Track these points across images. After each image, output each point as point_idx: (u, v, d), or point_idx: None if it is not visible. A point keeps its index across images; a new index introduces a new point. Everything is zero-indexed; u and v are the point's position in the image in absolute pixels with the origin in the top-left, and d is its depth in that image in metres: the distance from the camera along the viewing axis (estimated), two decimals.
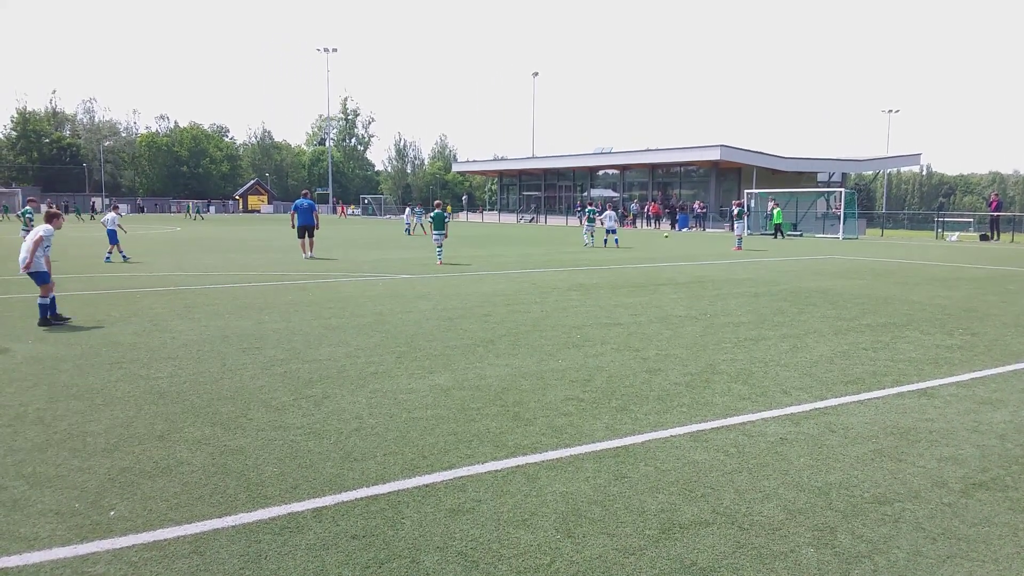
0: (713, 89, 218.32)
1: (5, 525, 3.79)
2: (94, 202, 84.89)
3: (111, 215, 20.85)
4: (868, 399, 6.30)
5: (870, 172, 75.72)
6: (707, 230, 46.74)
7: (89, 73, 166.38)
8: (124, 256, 20.24)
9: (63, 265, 18.48)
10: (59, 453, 4.84)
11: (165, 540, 3.64)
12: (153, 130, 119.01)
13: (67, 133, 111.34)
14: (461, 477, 4.48)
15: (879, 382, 6.87)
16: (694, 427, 5.47)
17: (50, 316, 9.67)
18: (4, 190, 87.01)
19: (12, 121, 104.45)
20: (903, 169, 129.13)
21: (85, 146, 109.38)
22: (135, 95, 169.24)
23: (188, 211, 77.39)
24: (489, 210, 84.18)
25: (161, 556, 3.49)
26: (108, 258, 19.85)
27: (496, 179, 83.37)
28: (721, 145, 48.27)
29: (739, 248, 26.70)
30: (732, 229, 32.83)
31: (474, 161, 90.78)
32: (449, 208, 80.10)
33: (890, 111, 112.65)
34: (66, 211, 78.15)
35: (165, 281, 14.94)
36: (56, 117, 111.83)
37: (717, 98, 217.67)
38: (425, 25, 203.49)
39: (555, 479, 4.46)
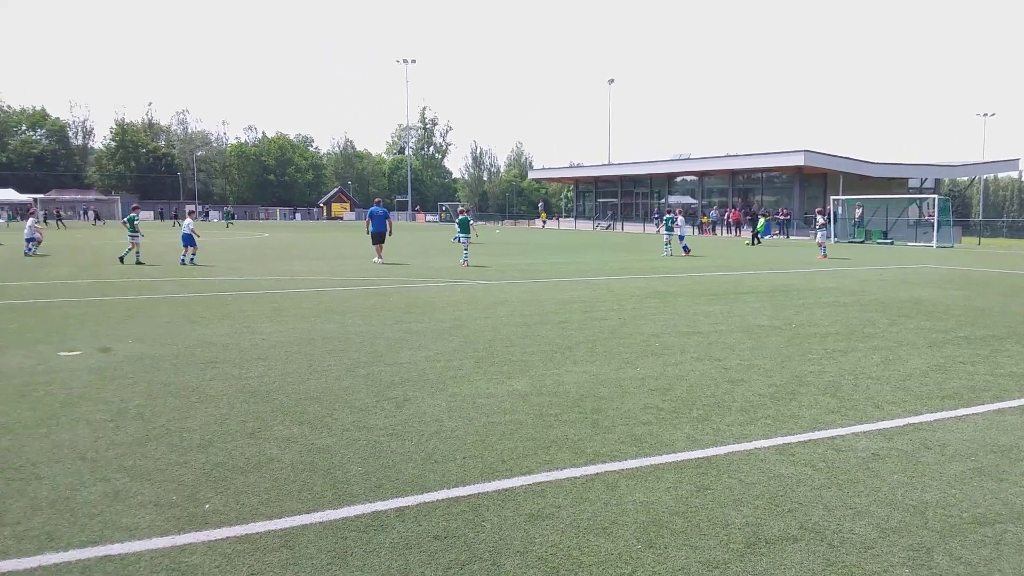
0: (796, 94, 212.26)
1: (109, 515, 4.00)
2: (175, 209, 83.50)
3: (187, 220, 22.16)
4: (966, 415, 6.01)
5: (965, 178, 72.31)
6: (791, 238, 45.46)
7: (182, 86, 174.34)
8: (183, 260, 21.06)
9: (154, 269, 19.39)
10: (158, 447, 5.08)
11: (256, 533, 3.78)
12: (242, 140, 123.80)
13: (162, 143, 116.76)
14: (540, 483, 4.49)
15: (978, 397, 6.54)
16: (779, 440, 5.33)
17: None
18: (104, 198, 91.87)
19: (111, 132, 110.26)
20: (1000, 175, 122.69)
21: (179, 156, 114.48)
22: (224, 107, 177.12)
23: (170, 217, 71.13)
24: (565, 217, 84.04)
25: (253, 549, 3.62)
26: (183, 260, 21.01)
27: (572, 186, 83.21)
28: (805, 150, 46.92)
29: (824, 256, 25.92)
30: (815, 237, 31.87)
31: (550, 168, 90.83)
32: (542, 215, 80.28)
33: (985, 114, 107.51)
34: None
35: (254, 285, 15.50)
36: (152, 128, 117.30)
37: (801, 103, 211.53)
38: (501, 35, 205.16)
39: (635, 488, 4.42)
